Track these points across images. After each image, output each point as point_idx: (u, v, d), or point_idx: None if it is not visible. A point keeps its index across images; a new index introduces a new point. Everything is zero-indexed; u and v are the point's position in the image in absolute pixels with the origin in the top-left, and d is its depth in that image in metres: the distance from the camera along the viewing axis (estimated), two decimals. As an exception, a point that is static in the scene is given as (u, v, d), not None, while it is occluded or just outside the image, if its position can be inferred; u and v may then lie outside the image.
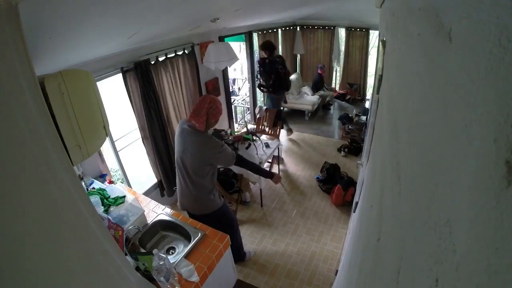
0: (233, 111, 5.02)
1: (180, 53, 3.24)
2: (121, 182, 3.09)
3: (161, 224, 2.07)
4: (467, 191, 0.26)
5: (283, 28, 6.01)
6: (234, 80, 7.18)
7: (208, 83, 3.97)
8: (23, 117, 0.65)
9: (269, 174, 2.39)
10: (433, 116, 0.39)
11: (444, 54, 0.36)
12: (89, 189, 2.23)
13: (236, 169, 3.30)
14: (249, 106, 5.83)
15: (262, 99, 5.84)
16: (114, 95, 4.04)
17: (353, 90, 6.77)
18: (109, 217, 1.80)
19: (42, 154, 0.71)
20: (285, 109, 6.20)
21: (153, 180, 3.33)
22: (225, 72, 4.34)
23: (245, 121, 5.24)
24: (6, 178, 0.62)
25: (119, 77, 2.64)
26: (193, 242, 1.84)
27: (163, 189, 3.35)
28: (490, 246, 0.21)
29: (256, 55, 5.49)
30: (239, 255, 2.62)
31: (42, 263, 0.72)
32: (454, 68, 0.32)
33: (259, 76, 4.47)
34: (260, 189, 3.48)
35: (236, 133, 3.75)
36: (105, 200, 2.04)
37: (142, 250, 1.85)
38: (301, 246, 2.95)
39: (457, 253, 0.27)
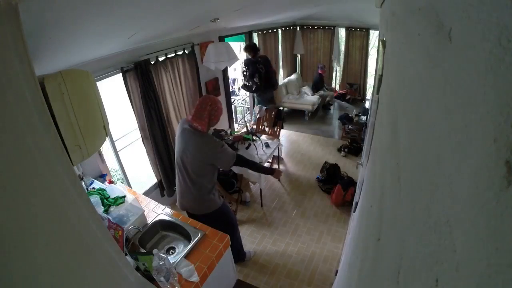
0: (233, 111, 5.02)
1: (180, 53, 3.24)
2: (121, 182, 3.09)
3: (161, 224, 2.07)
4: (467, 191, 0.26)
5: (283, 28, 6.01)
6: (234, 80, 7.17)
7: (208, 83, 3.97)
8: (23, 117, 0.65)
9: (269, 171, 2.41)
10: (433, 116, 0.39)
11: (444, 54, 0.36)
12: (89, 189, 2.23)
13: (236, 169, 3.30)
14: (249, 106, 5.83)
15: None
16: (114, 95, 4.03)
17: (353, 90, 6.77)
18: (109, 217, 1.80)
19: (42, 154, 0.71)
20: (285, 109, 6.20)
21: (153, 180, 3.33)
22: (225, 72, 4.34)
23: (245, 121, 5.24)
24: (6, 178, 0.62)
25: (119, 77, 2.64)
26: (193, 242, 1.84)
27: (163, 189, 3.35)
28: (490, 246, 0.21)
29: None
30: (239, 255, 2.62)
31: (42, 263, 0.72)
32: (454, 68, 0.32)
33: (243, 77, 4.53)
34: (260, 189, 3.48)
35: (236, 133, 3.75)
36: (105, 200, 2.04)
37: (142, 250, 1.85)
38: (301, 246, 2.95)
39: (457, 253, 0.27)
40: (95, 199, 1.99)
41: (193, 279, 1.62)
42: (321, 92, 6.30)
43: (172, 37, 3.07)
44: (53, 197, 0.75)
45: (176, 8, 1.65)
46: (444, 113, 0.35)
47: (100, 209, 1.95)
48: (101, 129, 1.75)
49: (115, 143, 2.88)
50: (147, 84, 2.78)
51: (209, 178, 2.07)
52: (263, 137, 3.79)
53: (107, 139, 2.52)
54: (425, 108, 0.44)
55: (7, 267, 0.63)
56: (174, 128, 3.26)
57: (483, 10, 0.25)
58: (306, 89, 6.42)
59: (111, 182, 2.42)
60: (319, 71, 6.29)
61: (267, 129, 4.34)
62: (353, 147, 4.60)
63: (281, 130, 4.44)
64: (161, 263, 1.52)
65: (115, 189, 2.16)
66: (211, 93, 4.06)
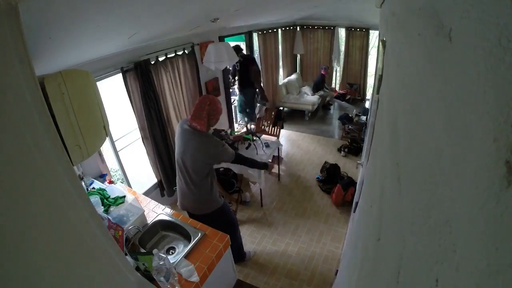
0: (233, 111, 5.02)
1: (180, 53, 3.24)
2: (121, 182, 3.09)
3: (161, 224, 2.07)
4: (467, 191, 0.26)
5: (283, 28, 6.01)
6: (234, 80, 7.17)
7: (208, 83, 3.97)
8: (23, 117, 0.65)
9: (262, 165, 2.46)
10: (433, 116, 0.39)
11: (444, 54, 0.36)
12: (89, 189, 2.23)
13: (236, 169, 3.30)
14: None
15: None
16: (114, 95, 4.03)
17: (353, 90, 6.77)
18: (109, 217, 1.80)
19: (42, 154, 0.71)
20: (285, 109, 6.20)
21: (153, 180, 3.33)
22: (225, 72, 4.34)
23: (245, 121, 5.24)
24: (6, 178, 0.62)
25: (119, 77, 2.64)
26: (193, 242, 1.84)
27: (163, 189, 3.35)
28: (490, 246, 0.21)
29: (256, 55, 5.49)
30: (239, 255, 2.62)
31: (42, 263, 0.72)
32: (454, 68, 0.32)
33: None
34: (260, 189, 3.48)
35: (236, 133, 3.75)
36: (105, 200, 2.04)
37: (142, 250, 1.85)
38: (301, 246, 2.95)
39: (457, 253, 0.27)
40: (95, 199, 1.99)
41: (193, 279, 1.62)
42: (321, 92, 6.30)
43: (172, 37, 3.07)
44: (53, 197, 0.75)
45: (176, 8, 1.65)
46: (444, 113, 0.35)
47: (100, 209, 1.95)
48: (101, 129, 1.75)
49: (115, 143, 2.88)
50: (147, 84, 2.78)
51: (209, 178, 2.07)
52: (263, 137, 3.79)
53: (107, 139, 2.52)
54: (425, 108, 0.44)
55: (7, 267, 0.63)
56: (174, 128, 3.26)
57: (483, 10, 0.25)
58: (306, 89, 6.41)
59: (111, 182, 2.42)
60: (322, 72, 6.29)
61: (267, 129, 4.34)
62: (353, 147, 4.60)
63: (281, 130, 4.44)
64: (161, 263, 1.52)
65: (115, 189, 2.16)
66: (211, 93, 4.06)
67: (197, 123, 1.91)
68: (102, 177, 2.54)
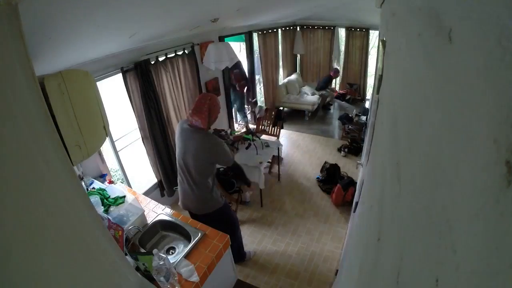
0: (232, 111, 5.02)
1: (180, 53, 3.24)
2: (121, 182, 3.09)
3: (161, 224, 2.07)
4: (467, 191, 0.26)
5: (283, 28, 6.01)
6: (234, 80, 7.17)
7: (208, 83, 3.97)
8: (23, 117, 0.65)
9: (248, 181, 2.58)
10: (433, 116, 0.39)
11: (444, 54, 0.36)
12: (89, 189, 2.23)
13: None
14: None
15: (263, 99, 5.85)
16: (114, 95, 4.03)
17: (353, 90, 6.77)
18: (109, 217, 1.80)
19: (42, 154, 0.71)
20: (285, 109, 6.20)
21: (153, 180, 3.33)
22: (225, 72, 4.34)
23: (245, 121, 5.24)
24: (6, 178, 0.62)
25: (119, 77, 2.64)
26: (193, 242, 1.84)
27: (163, 189, 3.35)
28: (490, 246, 0.21)
29: (256, 55, 5.49)
30: (239, 255, 2.62)
31: (42, 263, 0.72)
32: (454, 68, 0.32)
33: None
34: (260, 189, 3.48)
35: (236, 133, 3.75)
36: (105, 200, 2.04)
37: (142, 250, 1.85)
38: (301, 246, 2.95)
39: (457, 253, 0.27)
40: (95, 199, 1.99)
41: (193, 279, 1.62)
42: (323, 92, 6.28)
43: (172, 37, 3.07)
44: (53, 197, 0.75)
45: (176, 8, 1.65)
46: (444, 113, 0.35)
47: (100, 209, 1.94)
48: (101, 129, 1.75)
49: (115, 143, 2.88)
50: (147, 84, 2.78)
51: (211, 178, 2.08)
52: (263, 137, 3.79)
53: (107, 139, 2.52)
54: (425, 108, 0.44)
55: (8, 268, 0.63)
56: (174, 128, 3.26)
57: (483, 10, 0.25)
58: (306, 89, 6.41)
59: (111, 182, 2.42)
60: (330, 73, 6.30)
61: (267, 129, 4.34)
62: (353, 147, 4.60)
63: (281, 130, 4.44)
64: (161, 263, 1.52)
65: (115, 189, 2.16)
66: (211, 93, 4.06)
67: (198, 117, 1.91)
68: (102, 177, 2.54)
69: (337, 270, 2.49)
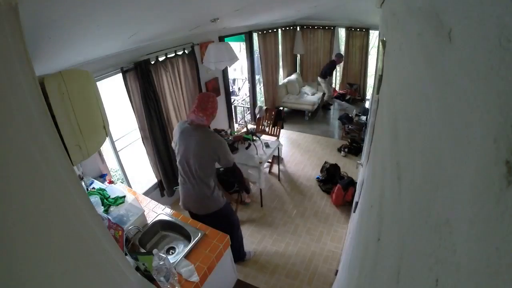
0: (233, 111, 5.02)
1: (180, 53, 3.24)
2: (121, 182, 3.09)
3: (161, 224, 2.07)
4: (467, 191, 0.26)
5: (283, 28, 6.01)
6: (234, 80, 7.18)
7: (208, 83, 3.97)
8: (23, 117, 0.65)
9: (245, 187, 2.55)
10: (433, 116, 0.39)
11: (444, 54, 0.36)
12: (89, 189, 2.23)
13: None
14: (249, 106, 5.83)
15: (263, 99, 5.85)
16: (114, 95, 4.03)
17: (353, 90, 6.76)
18: (109, 217, 1.80)
19: (42, 154, 0.71)
20: (285, 109, 6.20)
21: (153, 180, 3.33)
22: (225, 72, 4.34)
23: (245, 121, 5.24)
24: (6, 178, 0.62)
25: (119, 77, 2.64)
26: (193, 242, 1.84)
27: (163, 189, 3.35)
28: (490, 246, 0.21)
29: (256, 55, 5.50)
30: (239, 255, 2.62)
31: (42, 263, 0.72)
32: (454, 68, 0.32)
33: None
34: (260, 189, 3.48)
35: (236, 133, 3.75)
36: (105, 200, 2.04)
37: (142, 250, 1.85)
38: (301, 246, 2.95)
39: (457, 253, 0.27)
40: (95, 199, 1.99)
41: (193, 279, 1.62)
42: (325, 83, 6.15)
43: (172, 37, 3.07)
44: (53, 197, 0.75)
45: (176, 8, 1.65)
46: (444, 113, 0.35)
47: (100, 209, 1.94)
48: (101, 129, 1.75)
49: (115, 143, 2.88)
50: (147, 84, 2.78)
51: (212, 177, 2.09)
52: (263, 137, 3.79)
53: (107, 139, 2.52)
54: (425, 108, 0.44)
55: (8, 268, 0.63)
56: (174, 128, 3.26)
57: (483, 10, 0.25)
58: (306, 89, 6.41)
59: (111, 182, 2.42)
60: (334, 58, 6.11)
61: (267, 129, 4.34)
62: (353, 147, 4.60)
63: (281, 130, 4.44)
64: (161, 263, 1.52)
65: (115, 189, 2.16)
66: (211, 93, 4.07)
67: (203, 113, 1.94)
68: (102, 177, 2.54)
69: (337, 270, 2.49)
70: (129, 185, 3.00)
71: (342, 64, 6.73)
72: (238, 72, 7.30)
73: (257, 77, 5.82)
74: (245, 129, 3.76)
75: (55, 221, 0.76)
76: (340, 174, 3.86)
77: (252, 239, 3.05)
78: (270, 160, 4.12)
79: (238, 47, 6.85)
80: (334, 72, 6.59)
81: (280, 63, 6.35)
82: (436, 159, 0.37)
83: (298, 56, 7.05)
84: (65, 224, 0.80)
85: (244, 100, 6.20)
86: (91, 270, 0.91)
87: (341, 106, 6.61)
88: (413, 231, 0.43)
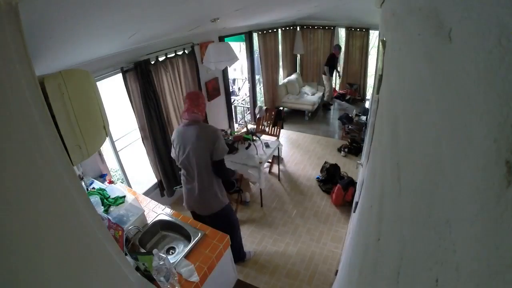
0: (233, 111, 5.02)
1: (180, 53, 3.24)
2: (121, 182, 3.09)
3: (161, 224, 2.07)
4: (467, 191, 0.26)
5: (283, 28, 6.01)
6: (234, 80, 7.18)
7: (208, 83, 3.97)
8: (23, 117, 0.65)
9: (231, 184, 2.65)
10: (433, 116, 0.39)
11: (444, 54, 0.36)
12: (89, 189, 2.23)
13: (236, 169, 3.30)
14: (249, 106, 5.82)
15: (263, 99, 5.85)
16: (114, 95, 4.03)
17: (353, 90, 6.76)
18: (109, 217, 1.80)
19: (42, 154, 0.71)
20: (285, 109, 6.20)
21: (153, 180, 3.33)
22: (225, 72, 4.34)
23: (245, 121, 5.24)
24: (6, 178, 0.62)
25: (119, 77, 2.64)
26: (193, 242, 1.84)
27: (163, 189, 3.35)
28: (490, 246, 0.21)
29: (256, 55, 5.50)
30: (239, 256, 2.63)
31: (42, 264, 0.72)
32: (454, 68, 0.32)
33: None
34: (260, 189, 3.48)
35: (236, 133, 3.75)
36: (105, 200, 2.04)
37: (142, 250, 1.85)
38: (301, 246, 2.95)
39: (457, 253, 0.27)
40: (95, 199, 1.99)
41: (193, 279, 1.62)
42: (327, 79, 6.11)
43: (172, 37, 3.07)
44: (53, 197, 0.75)
45: (176, 8, 1.65)
46: (444, 113, 0.35)
47: (100, 209, 1.94)
48: (101, 129, 1.75)
49: (115, 143, 2.88)
50: (147, 84, 2.78)
51: (214, 174, 2.10)
52: (263, 137, 3.79)
53: (107, 139, 2.52)
54: (425, 108, 0.44)
55: (8, 268, 0.63)
56: (174, 128, 3.26)
57: (483, 10, 0.25)
58: (306, 89, 6.41)
59: (111, 182, 2.42)
60: (333, 52, 6.10)
61: (267, 129, 4.34)
62: (353, 147, 4.60)
63: (281, 130, 4.44)
64: (161, 263, 1.52)
65: (115, 189, 2.16)
66: (211, 93, 4.07)
67: (197, 109, 2.01)
68: (102, 177, 2.54)
69: (337, 270, 2.49)
70: (129, 185, 3.00)
71: (342, 64, 6.72)
72: (238, 72, 7.30)
73: (257, 77, 5.82)
74: (245, 129, 3.76)
75: (55, 221, 0.76)
76: (340, 174, 3.86)
77: (252, 239, 3.05)
78: (270, 160, 4.12)
79: (238, 47, 6.85)
80: (337, 68, 6.47)
81: (280, 63, 6.35)
82: (436, 159, 0.37)
83: (298, 56, 7.05)
84: (65, 224, 0.80)
85: (244, 100, 6.20)
86: (91, 270, 0.91)
87: (341, 106, 6.61)
88: (413, 231, 0.43)
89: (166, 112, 3.18)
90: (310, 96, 6.16)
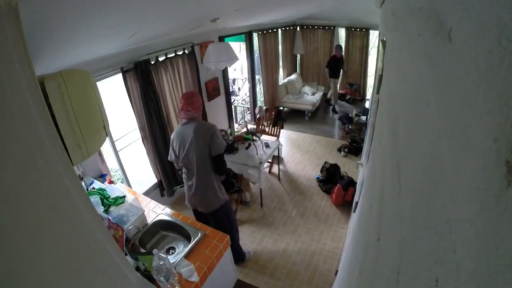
0: (233, 111, 5.02)
1: (180, 53, 3.24)
2: (121, 182, 3.09)
3: (161, 224, 2.07)
4: (467, 191, 0.26)
5: (283, 28, 6.01)
6: (234, 80, 7.18)
7: (208, 83, 3.97)
8: (23, 117, 0.65)
9: (229, 185, 2.61)
10: (433, 116, 0.39)
11: (444, 54, 0.36)
12: (89, 189, 2.22)
13: (236, 169, 3.31)
14: (249, 106, 5.82)
15: (263, 99, 5.84)
16: (114, 95, 4.04)
17: (353, 90, 6.76)
18: (109, 217, 1.80)
19: (42, 154, 0.71)
20: (285, 109, 6.19)
21: (153, 180, 3.33)
22: (225, 72, 4.34)
23: (245, 121, 5.24)
24: (6, 178, 0.62)
25: (119, 77, 2.64)
26: (193, 242, 1.84)
27: (163, 189, 3.35)
28: (490, 246, 0.21)
29: (256, 55, 5.49)
30: (239, 256, 2.63)
31: (42, 264, 0.72)
32: (454, 68, 0.32)
33: None
34: (260, 189, 3.48)
35: (236, 133, 3.75)
36: (105, 200, 2.04)
37: (142, 250, 1.85)
38: (301, 246, 2.95)
39: (457, 253, 0.27)
40: (95, 199, 1.99)
41: (193, 279, 1.62)
42: (332, 82, 5.99)
43: (172, 37, 3.07)
44: (53, 197, 0.75)
45: (176, 8, 1.65)
46: (444, 113, 0.35)
47: (100, 209, 1.94)
48: (101, 129, 1.75)
49: (115, 143, 2.88)
50: (147, 84, 2.78)
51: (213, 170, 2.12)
52: (263, 137, 3.79)
53: (107, 139, 2.52)
54: (425, 108, 0.44)
55: (8, 268, 0.63)
56: (174, 128, 3.26)
57: (483, 10, 0.25)
58: (306, 89, 6.40)
59: (111, 182, 2.42)
60: (334, 54, 5.87)
61: (267, 129, 4.34)
62: (353, 147, 4.60)
63: (281, 130, 4.44)
64: (161, 263, 1.52)
65: (115, 189, 2.16)
66: (211, 93, 4.07)
67: (192, 107, 2.01)
68: (102, 177, 2.54)
69: (337, 270, 2.48)
70: (129, 185, 3.00)
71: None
72: (238, 72, 7.30)
73: (257, 77, 5.81)
74: (245, 129, 3.76)
75: (55, 221, 0.76)
76: (340, 174, 3.86)
77: (252, 239, 3.05)
78: (270, 160, 4.12)
79: (238, 47, 6.85)
80: (343, 68, 6.24)
81: (280, 63, 6.35)
82: (436, 159, 0.37)
83: (298, 56, 7.05)
84: (65, 224, 0.80)
85: (244, 100, 6.20)
86: (91, 270, 0.91)
87: (341, 107, 6.60)
88: (413, 231, 0.43)
89: (166, 112, 3.18)
90: (310, 96, 6.16)
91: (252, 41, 5.01)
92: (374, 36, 6.52)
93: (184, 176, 2.20)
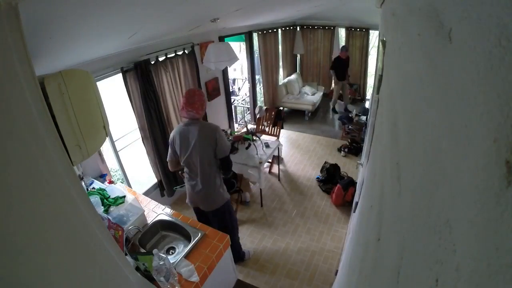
0: (233, 111, 5.02)
1: (180, 53, 3.24)
2: (121, 182, 3.09)
3: (161, 224, 2.07)
4: (467, 191, 0.26)
5: (283, 28, 6.01)
6: (234, 80, 7.18)
7: (208, 83, 3.97)
8: (23, 117, 0.65)
9: (229, 185, 2.58)
10: (433, 116, 0.39)
11: (444, 54, 0.36)
12: (89, 189, 2.22)
13: (236, 169, 3.31)
14: (249, 106, 5.82)
15: (263, 99, 5.84)
16: (114, 95, 4.04)
17: (353, 90, 6.75)
18: (109, 217, 1.80)
19: (42, 154, 0.71)
20: (285, 109, 6.19)
21: (153, 180, 3.33)
22: (225, 72, 4.34)
23: (245, 121, 5.24)
24: (6, 178, 0.62)
25: (119, 77, 2.64)
26: (193, 242, 1.84)
27: (163, 189, 3.35)
28: (490, 246, 0.21)
29: (256, 55, 5.49)
30: (239, 256, 2.63)
31: (42, 264, 0.72)
32: (454, 68, 0.32)
33: None
34: (260, 189, 3.48)
35: (236, 133, 3.75)
36: (105, 200, 2.04)
37: (142, 250, 1.85)
38: (301, 246, 2.95)
39: (457, 253, 0.27)
40: (95, 199, 1.99)
41: (193, 279, 1.62)
42: (339, 84, 5.81)
43: (172, 37, 3.07)
44: (53, 197, 0.75)
45: (176, 8, 1.65)
46: (444, 113, 0.35)
47: (100, 209, 1.94)
48: (101, 129, 1.75)
49: (115, 143, 2.88)
50: (147, 84, 2.78)
51: (216, 169, 2.13)
52: (263, 137, 3.80)
53: (107, 139, 2.52)
54: (425, 108, 0.44)
55: (9, 268, 0.63)
56: (174, 128, 3.26)
57: (483, 10, 0.25)
58: (306, 89, 6.40)
59: (111, 182, 2.42)
60: (339, 55, 5.62)
61: (267, 129, 4.34)
62: (353, 147, 4.60)
63: (281, 130, 4.44)
64: (161, 263, 1.52)
65: (115, 189, 2.16)
66: (211, 93, 4.07)
67: (192, 107, 1.99)
68: (102, 177, 2.54)
69: (337, 270, 2.49)
70: (129, 185, 3.00)
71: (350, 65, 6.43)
72: (238, 72, 7.30)
73: (257, 77, 5.81)
74: (245, 129, 3.76)
75: (55, 221, 0.76)
76: (340, 174, 3.86)
77: (252, 239, 3.05)
78: (270, 160, 4.12)
79: (238, 47, 6.85)
80: (347, 72, 5.99)
81: (280, 63, 6.35)
82: (436, 159, 0.37)
83: (298, 56, 7.05)
84: (65, 224, 0.80)
85: (244, 100, 6.20)
86: (91, 270, 0.91)
87: (341, 107, 6.59)
88: (413, 231, 0.43)
89: (166, 112, 3.18)
90: (310, 96, 6.16)
91: (252, 41, 5.01)
92: (374, 36, 6.52)
93: (186, 176, 2.20)
